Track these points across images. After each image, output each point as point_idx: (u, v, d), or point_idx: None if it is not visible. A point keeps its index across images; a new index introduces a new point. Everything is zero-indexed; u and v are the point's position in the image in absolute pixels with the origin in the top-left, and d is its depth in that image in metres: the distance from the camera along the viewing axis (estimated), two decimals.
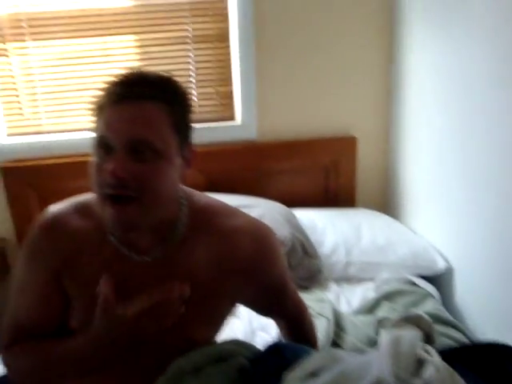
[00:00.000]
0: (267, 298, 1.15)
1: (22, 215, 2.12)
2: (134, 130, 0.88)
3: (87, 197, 1.07)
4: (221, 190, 1.98)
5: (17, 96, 2.06)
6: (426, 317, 0.99)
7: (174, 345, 1.05)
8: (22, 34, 1.99)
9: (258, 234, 1.07)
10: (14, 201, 2.11)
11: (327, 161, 2.19)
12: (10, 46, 2.00)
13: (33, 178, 2.08)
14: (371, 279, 1.86)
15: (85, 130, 2.10)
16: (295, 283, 1.28)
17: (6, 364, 1.07)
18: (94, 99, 0.93)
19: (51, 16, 1.98)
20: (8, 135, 2.10)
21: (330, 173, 2.21)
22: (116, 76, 0.93)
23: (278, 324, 1.31)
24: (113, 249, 1.02)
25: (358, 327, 1.57)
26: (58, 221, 1.04)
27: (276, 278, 1.13)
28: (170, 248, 1.01)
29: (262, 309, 1.22)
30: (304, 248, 1.87)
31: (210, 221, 1.04)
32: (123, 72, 0.94)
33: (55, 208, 1.07)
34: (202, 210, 1.04)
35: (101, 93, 0.92)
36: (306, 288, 1.79)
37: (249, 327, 1.64)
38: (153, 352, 1.05)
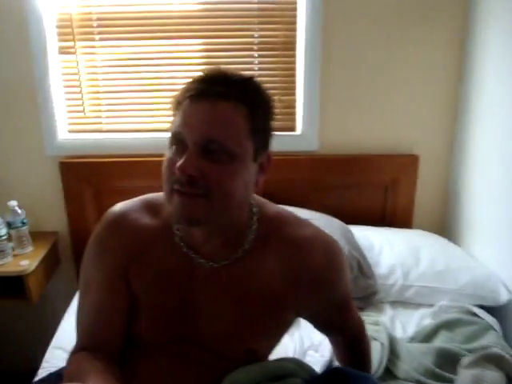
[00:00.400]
0: (330, 312, 1.11)
1: (76, 210, 2.15)
2: (209, 130, 0.86)
3: (156, 195, 1.06)
4: (276, 201, 1.94)
5: (80, 94, 2.08)
6: (508, 357, 0.92)
7: (233, 356, 1.03)
8: (91, 33, 2.01)
9: (328, 245, 1.04)
10: (69, 195, 2.13)
11: (387, 178, 2.12)
12: (78, 44, 2.02)
13: (89, 174, 2.10)
14: (428, 305, 1.78)
15: (143, 131, 2.11)
16: None
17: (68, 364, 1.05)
18: (175, 94, 0.92)
19: (120, 17, 1.99)
20: (69, 131, 2.13)
21: (388, 191, 2.14)
22: (199, 73, 0.91)
23: (335, 342, 1.27)
24: (179, 250, 1.01)
25: (413, 355, 1.50)
26: (125, 217, 1.04)
27: (341, 292, 1.09)
28: (237, 255, 0.99)
29: (323, 324, 1.18)
30: (360, 267, 1.81)
31: (280, 230, 1.01)
32: (206, 69, 0.92)
33: (123, 204, 1.07)
34: (272, 219, 1.02)
35: (181, 88, 0.91)
36: (359, 309, 1.73)
37: (300, 346, 1.59)
38: (210, 363, 1.03)
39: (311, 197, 2.09)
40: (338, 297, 1.09)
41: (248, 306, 1.00)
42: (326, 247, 1.03)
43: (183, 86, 0.92)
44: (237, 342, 1.02)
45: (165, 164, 0.91)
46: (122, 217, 1.04)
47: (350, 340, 1.22)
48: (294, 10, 1.97)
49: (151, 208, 1.05)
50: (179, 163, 0.86)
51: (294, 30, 2.00)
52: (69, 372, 1.01)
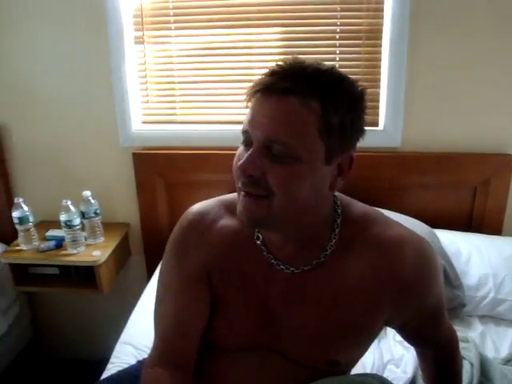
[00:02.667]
0: (421, 321, 1.01)
1: (147, 202, 2.13)
2: (272, 129, 0.80)
3: (233, 195, 0.99)
4: (355, 199, 1.84)
5: (155, 84, 2.05)
6: None
7: (314, 366, 0.98)
8: (167, 23, 1.96)
9: (420, 247, 0.94)
10: (141, 187, 2.11)
11: (476, 179, 1.94)
12: (153, 33, 1.98)
13: (162, 166, 2.07)
14: None
15: (217, 123, 2.05)
16: None
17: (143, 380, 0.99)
18: (247, 87, 0.84)
19: (196, 5, 1.93)
20: (142, 122, 2.10)
21: (477, 193, 1.96)
22: (273, 65, 0.82)
23: (422, 356, 1.16)
24: (259, 253, 0.96)
25: (510, 380, 1.35)
26: (204, 218, 1.01)
27: (434, 299, 0.99)
28: (318, 259, 0.93)
29: (412, 334, 1.08)
30: (446, 275, 1.66)
31: (366, 231, 0.93)
32: (282, 59, 0.83)
33: (201, 205, 1.03)
34: (358, 220, 0.94)
35: (253, 81, 0.84)
36: None
37: (379, 359, 1.48)
38: (289, 372, 0.98)
39: (392, 197, 1.95)
40: (429, 305, 0.98)
41: (331, 314, 0.94)
42: (418, 249, 0.93)
43: (258, 77, 0.83)
44: (319, 351, 0.96)
45: (234, 160, 0.86)
46: (201, 217, 1.01)
47: (440, 355, 1.11)
48: None
49: (229, 208, 1.00)
50: (240, 162, 0.82)
51: (380, 17, 1.85)
52: None
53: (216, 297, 0.99)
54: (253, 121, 0.82)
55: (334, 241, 0.92)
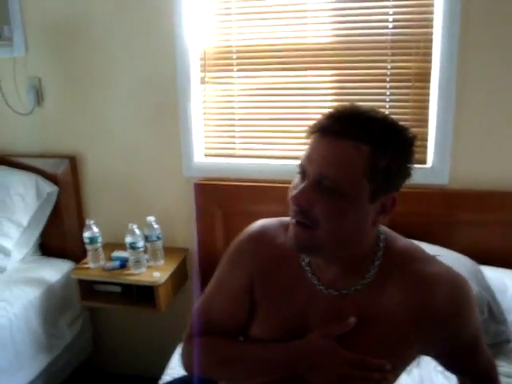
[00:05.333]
0: (457, 351, 1.06)
1: (206, 230, 2.27)
2: (324, 167, 0.90)
3: None
4: (401, 234, 1.90)
5: (217, 120, 2.23)
6: None
7: None
8: (230, 65, 2.15)
9: (456, 283, 1.01)
10: (201, 215, 2.26)
11: None
12: (217, 74, 2.17)
13: (221, 196, 2.22)
14: None
15: (273, 157, 2.19)
16: None
17: (185, 352, 1.16)
18: (308, 127, 0.96)
19: (257, 49, 2.11)
20: (205, 155, 2.27)
21: None
22: (330, 103, 0.96)
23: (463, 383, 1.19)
24: (303, 273, 1.05)
25: None
26: (265, 232, 1.12)
27: (470, 331, 1.04)
28: (357, 286, 1.01)
29: (449, 364, 1.13)
30: (490, 310, 1.69)
31: (406, 265, 1.01)
32: (339, 105, 0.95)
33: (264, 221, 1.16)
34: (399, 253, 1.02)
35: (314, 121, 0.95)
36: None
37: None
38: None
39: (440, 232, 2.00)
40: (466, 337, 1.04)
41: (365, 340, 1.00)
42: (454, 287, 1.00)
43: (316, 118, 0.95)
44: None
45: (289, 189, 0.98)
46: (261, 233, 1.12)
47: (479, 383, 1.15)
48: (430, 40, 1.94)
49: (287, 229, 1.08)
50: (294, 192, 0.94)
51: (429, 60, 1.96)
52: (206, 356, 1.12)
53: (256, 307, 1.09)
54: (308, 157, 0.93)
55: (373, 271, 1.00)
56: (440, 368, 1.53)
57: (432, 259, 1.04)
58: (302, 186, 0.93)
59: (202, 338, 1.13)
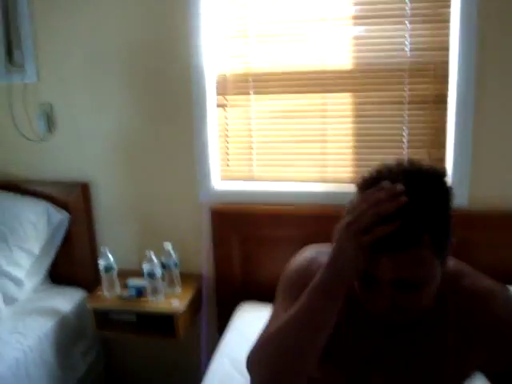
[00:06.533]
0: (509, 365, 1.05)
1: (222, 255, 2.25)
2: (399, 274, 0.90)
3: None
4: None
5: (234, 143, 2.22)
6: None
7: None
8: (247, 88, 2.14)
9: (507, 295, 1.04)
10: (217, 241, 2.24)
11: None
12: (234, 98, 2.17)
13: (238, 221, 2.20)
14: None
15: (291, 180, 2.18)
16: None
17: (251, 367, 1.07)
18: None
19: (275, 73, 2.11)
20: (221, 179, 2.26)
21: None
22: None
23: None
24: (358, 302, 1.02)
25: None
26: (314, 262, 1.10)
27: None
28: (421, 314, 1.00)
29: (499, 378, 1.10)
30: None
31: (458, 283, 1.03)
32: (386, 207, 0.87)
33: (314, 249, 1.15)
34: (450, 274, 1.03)
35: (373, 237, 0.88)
36: None
37: None
38: None
39: (460, 254, 1.97)
40: None
41: (425, 363, 1.01)
42: (506, 298, 1.03)
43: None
44: None
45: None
46: (311, 262, 1.11)
47: None
48: (446, 63, 1.96)
49: None
50: (372, 302, 0.94)
51: (446, 83, 1.98)
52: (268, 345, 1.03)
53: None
54: (373, 270, 0.90)
55: (433, 296, 0.98)
56: None
57: (479, 274, 1.06)
58: (381, 293, 0.92)
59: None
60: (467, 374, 1.07)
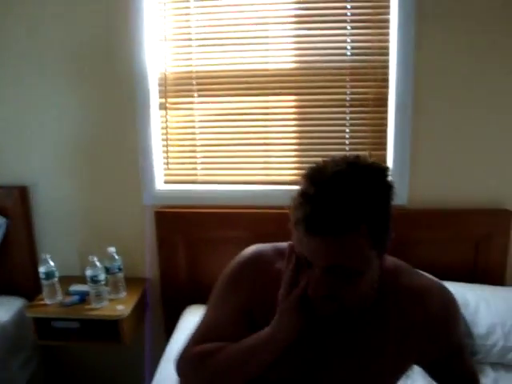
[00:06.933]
0: (447, 360, 1.12)
1: (167, 258, 2.23)
2: (333, 259, 0.90)
3: (287, 244, 1.07)
4: None
5: (178, 146, 2.20)
6: None
7: None
8: (191, 91, 2.13)
9: (444, 294, 1.09)
10: (162, 244, 2.21)
11: (478, 234, 2.08)
12: (177, 100, 2.15)
13: (182, 224, 2.18)
14: None
15: (236, 183, 2.18)
16: None
17: (183, 367, 1.11)
18: (290, 209, 0.92)
19: (218, 75, 2.11)
20: (165, 182, 2.23)
21: (480, 246, 2.09)
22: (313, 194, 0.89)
23: None
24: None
25: None
26: (259, 259, 1.12)
27: (457, 339, 1.12)
28: (358, 307, 1.02)
29: (439, 372, 1.17)
30: None
31: (397, 281, 1.06)
32: (312, 182, 0.89)
33: (258, 246, 1.16)
34: (389, 271, 1.05)
35: (293, 206, 0.91)
36: None
37: None
38: None
39: (401, 251, 2.04)
40: (455, 345, 1.11)
41: (368, 359, 1.04)
42: (443, 295, 1.07)
43: (294, 201, 0.91)
44: None
45: (297, 246, 0.95)
46: (256, 258, 1.13)
47: None
48: (386, 67, 2.03)
49: (282, 255, 1.08)
50: (309, 288, 0.94)
51: (386, 86, 2.04)
52: (211, 362, 1.06)
53: (259, 326, 1.06)
54: (308, 252, 0.91)
55: (373, 293, 1.02)
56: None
57: (417, 272, 1.10)
58: (313, 277, 0.93)
59: (203, 346, 1.09)
60: (406, 369, 1.11)
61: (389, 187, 0.93)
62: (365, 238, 0.89)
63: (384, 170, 0.94)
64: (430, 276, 1.11)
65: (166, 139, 2.18)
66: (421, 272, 1.11)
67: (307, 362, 1.06)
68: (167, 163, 2.21)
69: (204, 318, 1.16)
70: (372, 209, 0.89)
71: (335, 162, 0.93)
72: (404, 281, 1.05)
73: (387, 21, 1.98)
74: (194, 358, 1.08)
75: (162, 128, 2.18)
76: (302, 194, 0.90)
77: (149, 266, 2.27)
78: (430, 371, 1.18)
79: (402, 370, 1.10)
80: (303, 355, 1.06)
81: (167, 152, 2.20)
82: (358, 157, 0.94)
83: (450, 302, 1.08)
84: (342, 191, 0.87)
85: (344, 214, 0.86)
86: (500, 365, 1.77)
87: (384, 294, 1.04)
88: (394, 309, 1.04)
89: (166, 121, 2.17)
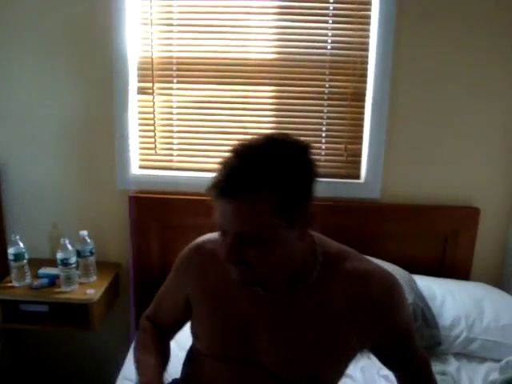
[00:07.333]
0: (393, 346, 1.16)
1: (141, 244, 2.21)
2: (238, 225, 0.96)
3: None
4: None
5: (153, 132, 2.18)
6: None
7: (296, 380, 1.11)
8: (170, 76, 2.12)
9: (387, 279, 1.12)
10: (136, 229, 2.19)
11: (447, 229, 2.14)
12: (156, 85, 2.13)
13: (157, 209, 2.17)
14: (494, 359, 1.78)
15: (211, 171, 2.18)
16: None
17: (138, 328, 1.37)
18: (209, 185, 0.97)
19: (198, 62, 2.10)
20: (140, 167, 2.22)
21: (448, 242, 2.15)
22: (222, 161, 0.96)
23: (401, 380, 1.26)
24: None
25: None
26: (203, 246, 1.21)
27: (402, 325, 1.15)
28: (301, 289, 1.09)
29: (387, 358, 1.22)
30: (424, 316, 1.82)
31: (342, 264, 1.10)
32: (232, 153, 0.96)
33: (207, 235, 1.23)
34: (335, 255, 1.11)
35: (212, 179, 0.96)
36: None
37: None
38: (269, 381, 1.12)
39: (373, 244, 2.11)
40: (398, 331, 1.14)
41: (309, 333, 1.10)
42: (383, 280, 1.11)
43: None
44: (299, 365, 1.11)
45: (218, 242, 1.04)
46: (201, 245, 1.22)
47: (414, 378, 1.23)
48: (365, 63, 2.06)
49: None
50: (222, 252, 1.00)
51: (364, 82, 2.08)
52: (138, 338, 1.33)
53: (199, 309, 1.20)
54: (221, 218, 0.97)
55: (314, 275, 1.08)
56: (383, 372, 1.64)
57: (362, 258, 1.14)
58: (226, 243, 0.98)
59: (147, 325, 1.34)
60: (350, 351, 1.14)
61: (305, 164, 0.98)
62: (268, 205, 0.93)
63: (303, 147, 0.99)
64: (376, 263, 1.14)
65: (154, 123, 2.17)
66: (367, 258, 1.15)
67: (248, 337, 1.13)
68: (146, 148, 2.20)
69: (158, 293, 1.35)
70: (280, 179, 0.93)
71: (261, 138, 1.00)
72: (348, 265, 1.09)
73: (369, 17, 2.01)
74: (139, 326, 1.36)
75: (140, 112, 2.16)
76: (220, 163, 0.97)
77: (121, 250, 2.26)
78: (381, 357, 1.22)
79: (342, 347, 1.12)
80: (244, 331, 1.13)
81: (147, 137, 2.19)
82: (284, 135, 1.02)
83: (392, 286, 1.11)
84: (251, 159, 0.94)
85: (246, 177, 0.92)
86: (462, 355, 1.83)
87: (327, 275, 1.08)
88: (335, 291, 1.08)
89: (154, 105, 2.15)
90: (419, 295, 1.87)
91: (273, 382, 1.12)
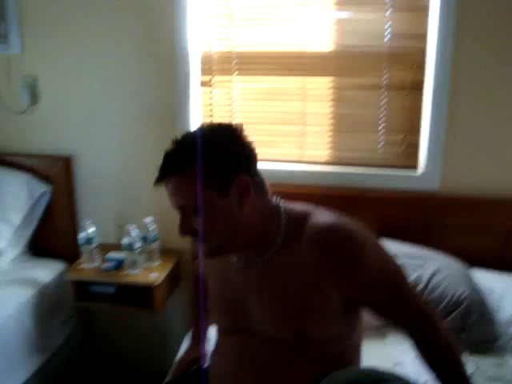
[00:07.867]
0: (380, 298, 1.15)
1: None
2: (177, 201, 1.12)
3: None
4: (395, 238, 1.99)
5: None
6: None
7: (287, 339, 1.17)
8: (230, 69, 2.19)
9: (344, 228, 1.13)
10: None
11: (509, 224, 2.08)
12: (217, 78, 2.21)
13: None
14: None
15: (272, 160, 2.24)
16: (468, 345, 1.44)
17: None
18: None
19: (257, 55, 2.16)
20: None
21: (510, 236, 2.09)
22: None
23: (413, 344, 1.19)
24: (233, 260, 1.25)
25: None
26: None
27: (376, 273, 1.12)
28: (269, 256, 1.17)
29: (382, 313, 1.20)
30: (480, 311, 1.78)
31: (305, 224, 1.15)
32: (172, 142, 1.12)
33: None
34: (298, 217, 1.17)
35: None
36: (481, 353, 1.70)
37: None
38: (266, 345, 1.19)
39: (431, 236, 2.08)
40: (375, 280, 1.12)
41: (288, 293, 1.16)
42: (341, 230, 1.12)
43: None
44: (285, 324, 1.17)
45: None
46: None
47: (417, 334, 1.16)
48: (424, 52, 2.03)
49: None
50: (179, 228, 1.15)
51: (423, 70, 2.05)
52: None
53: (210, 288, 1.36)
54: (170, 202, 1.13)
55: (280, 239, 1.16)
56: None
57: (325, 213, 1.17)
58: (179, 220, 1.13)
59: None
60: (328, 300, 1.14)
61: (229, 140, 1.11)
62: (194, 179, 1.06)
63: (229, 128, 1.15)
64: (338, 217, 1.15)
65: (207, 116, 2.25)
66: (329, 214, 1.16)
67: (241, 309, 1.22)
68: None
69: None
70: (203, 154, 1.05)
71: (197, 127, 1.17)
72: (311, 222, 1.14)
73: (427, 5, 1.98)
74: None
75: (203, 105, 2.25)
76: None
77: (183, 238, 2.34)
78: (373, 312, 1.19)
79: (324, 302, 1.14)
80: (238, 303, 1.23)
81: None
82: (215, 122, 1.21)
83: (349, 235, 1.11)
84: (179, 143, 1.11)
85: (173, 159, 1.10)
86: None
87: (293, 236, 1.15)
88: (302, 249, 1.13)
89: (209, 97, 2.24)
90: (475, 289, 1.84)
91: (270, 348, 1.19)
